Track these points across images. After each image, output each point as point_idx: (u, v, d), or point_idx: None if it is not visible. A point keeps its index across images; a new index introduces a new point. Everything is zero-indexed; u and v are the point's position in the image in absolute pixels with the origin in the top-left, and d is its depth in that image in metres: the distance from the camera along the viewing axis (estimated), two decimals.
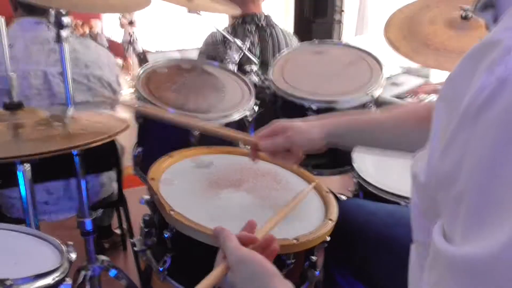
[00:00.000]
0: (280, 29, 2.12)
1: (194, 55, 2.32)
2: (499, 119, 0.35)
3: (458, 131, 0.39)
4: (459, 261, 0.37)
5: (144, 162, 1.37)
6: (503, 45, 0.36)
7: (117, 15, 7.87)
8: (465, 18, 1.42)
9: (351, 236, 1.02)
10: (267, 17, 2.08)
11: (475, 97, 0.37)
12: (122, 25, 7.40)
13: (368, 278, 1.03)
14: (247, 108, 1.36)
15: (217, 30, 1.89)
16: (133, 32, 7.19)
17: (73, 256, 0.87)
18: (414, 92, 2.26)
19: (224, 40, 2.01)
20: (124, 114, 1.17)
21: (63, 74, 1.21)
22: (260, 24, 2.06)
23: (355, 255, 1.03)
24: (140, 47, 7.03)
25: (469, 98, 0.38)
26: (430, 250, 0.42)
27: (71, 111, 1.23)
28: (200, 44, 2.16)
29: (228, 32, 2.00)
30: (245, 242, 0.65)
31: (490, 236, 0.34)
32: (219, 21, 1.95)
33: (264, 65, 2.02)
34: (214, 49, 2.03)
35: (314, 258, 0.98)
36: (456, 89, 0.41)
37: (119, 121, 1.09)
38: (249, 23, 2.05)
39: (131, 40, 7.21)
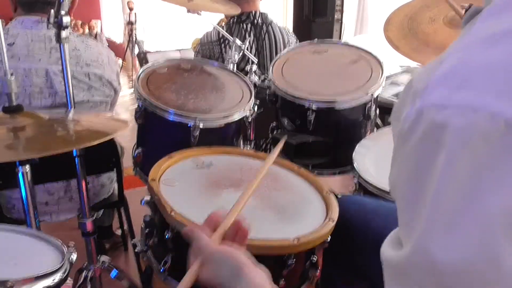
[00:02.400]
0: (278, 26, 2.11)
1: (193, 54, 2.32)
2: (418, 146, 0.41)
3: (395, 149, 0.46)
4: (391, 263, 0.45)
5: (144, 163, 1.37)
6: (426, 80, 0.42)
7: (117, 15, 7.88)
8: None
9: (350, 234, 1.02)
10: (262, 14, 2.07)
11: (403, 123, 0.43)
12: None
13: (367, 277, 1.02)
14: (247, 108, 1.36)
15: (216, 28, 1.89)
16: (133, 32, 7.19)
17: (74, 256, 0.87)
18: None
19: (219, 39, 2.01)
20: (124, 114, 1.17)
21: (63, 73, 1.21)
22: (256, 22, 2.05)
23: (354, 253, 1.03)
24: (140, 47, 7.03)
25: (400, 123, 0.44)
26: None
27: (71, 113, 1.23)
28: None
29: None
30: (212, 225, 0.67)
31: (407, 243, 0.42)
32: (215, 20, 1.95)
33: (260, 63, 2.02)
34: (210, 49, 2.03)
35: (314, 258, 0.98)
36: (400, 109, 0.47)
37: (119, 122, 1.09)
38: (244, 21, 2.04)
39: (132, 40, 7.21)
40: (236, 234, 0.67)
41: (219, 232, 0.66)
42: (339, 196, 1.15)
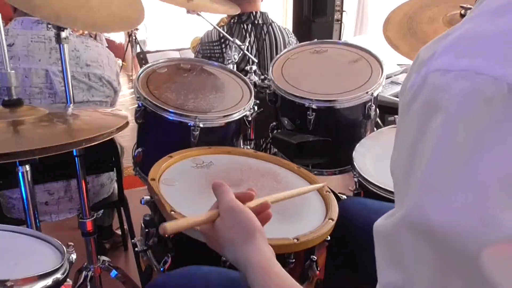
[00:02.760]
0: (278, 26, 2.11)
1: (193, 55, 2.32)
2: (418, 111, 0.41)
3: (398, 126, 0.46)
4: (380, 229, 0.47)
5: (144, 163, 1.37)
6: (432, 50, 0.43)
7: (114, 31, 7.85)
8: (464, 16, 1.42)
9: (352, 235, 1.02)
10: (263, 14, 2.07)
11: (407, 93, 0.43)
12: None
13: (370, 277, 1.02)
14: (247, 107, 1.36)
15: (216, 28, 1.89)
16: (133, 32, 7.18)
17: (74, 256, 0.86)
18: None
19: (220, 39, 2.01)
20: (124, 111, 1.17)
21: (63, 74, 1.21)
22: (256, 22, 2.05)
23: (357, 254, 1.03)
24: (142, 47, 7.02)
25: (403, 97, 0.44)
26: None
27: (71, 108, 1.23)
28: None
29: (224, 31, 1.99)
30: (242, 199, 0.68)
31: (400, 208, 0.42)
32: (215, 21, 1.95)
33: (261, 63, 2.02)
34: (210, 49, 2.03)
35: (314, 257, 0.98)
36: (404, 86, 0.47)
37: (119, 117, 1.09)
38: (245, 21, 2.04)
39: (132, 40, 7.21)
40: (259, 214, 0.69)
41: (248, 202, 0.68)
42: (342, 197, 1.15)
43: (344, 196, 1.31)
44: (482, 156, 0.37)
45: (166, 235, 0.61)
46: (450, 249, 0.38)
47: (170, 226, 0.60)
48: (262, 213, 0.70)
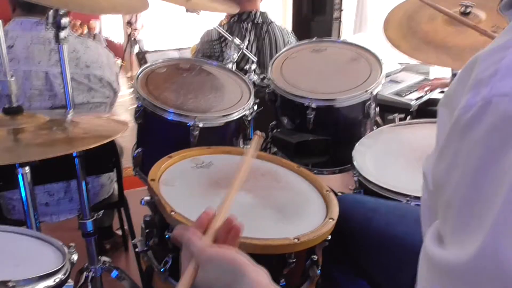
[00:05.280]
0: (277, 25, 2.11)
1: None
2: (483, 139, 0.37)
3: (448, 141, 0.42)
4: (443, 264, 0.40)
5: (144, 163, 1.37)
6: (494, 66, 0.38)
7: (117, 15, 7.86)
8: (464, 14, 1.42)
9: (351, 233, 1.02)
10: (262, 14, 2.07)
11: (463, 113, 0.39)
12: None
13: (368, 275, 1.02)
14: (247, 107, 1.36)
15: (215, 28, 1.89)
16: (133, 33, 7.18)
17: (75, 257, 0.87)
18: (422, 86, 2.26)
19: (220, 38, 2.01)
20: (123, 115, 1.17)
21: (62, 74, 1.21)
22: (256, 21, 2.05)
23: (355, 252, 1.03)
24: (139, 46, 7.02)
25: (457, 112, 0.40)
26: (422, 251, 0.44)
27: (71, 114, 1.23)
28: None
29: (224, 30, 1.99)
30: (203, 225, 0.64)
31: (468, 244, 0.37)
32: (214, 20, 1.95)
33: (261, 62, 2.02)
34: (210, 47, 2.03)
35: (315, 257, 0.98)
36: (453, 97, 0.43)
37: (119, 123, 1.09)
38: (245, 20, 2.04)
39: (131, 40, 7.21)
40: (229, 233, 0.64)
41: (210, 233, 0.63)
42: (339, 194, 1.15)
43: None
44: None
45: None
46: None
47: None
48: (231, 231, 0.64)
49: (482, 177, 0.37)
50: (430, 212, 0.51)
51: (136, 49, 6.89)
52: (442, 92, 2.19)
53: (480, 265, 0.36)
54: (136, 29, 7.24)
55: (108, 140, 0.95)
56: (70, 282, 0.83)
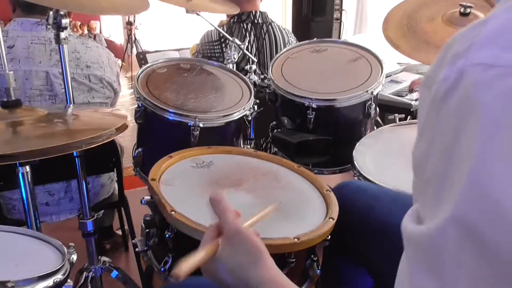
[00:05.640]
0: (277, 25, 2.11)
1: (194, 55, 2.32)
2: (456, 108, 0.37)
3: (427, 118, 0.41)
4: (418, 239, 0.40)
5: (144, 163, 1.37)
6: (470, 40, 0.38)
7: (117, 15, 7.86)
8: (464, 14, 1.42)
9: (352, 220, 1.00)
10: (263, 14, 2.07)
11: (439, 87, 0.39)
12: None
13: (369, 263, 1.01)
14: (247, 107, 1.36)
15: (215, 28, 1.89)
16: (133, 33, 7.19)
17: (74, 257, 0.86)
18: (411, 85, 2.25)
19: (220, 39, 2.01)
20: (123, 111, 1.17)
21: (62, 75, 1.21)
22: (256, 22, 2.05)
23: (357, 239, 1.02)
24: (137, 46, 7.03)
25: (435, 88, 0.40)
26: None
27: (70, 108, 1.23)
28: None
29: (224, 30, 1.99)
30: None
31: (440, 213, 0.37)
32: (214, 20, 1.94)
33: (261, 62, 2.02)
34: (210, 48, 2.03)
35: (315, 257, 0.98)
36: (432, 76, 0.43)
37: (119, 117, 1.09)
38: (245, 21, 2.04)
39: (131, 40, 7.21)
40: None
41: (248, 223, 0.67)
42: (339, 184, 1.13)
43: None
44: None
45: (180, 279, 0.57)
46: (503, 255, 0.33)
47: (182, 273, 0.57)
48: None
49: (453, 150, 0.37)
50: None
51: (134, 49, 6.90)
52: None
53: (452, 229, 0.36)
54: (136, 28, 7.25)
55: (107, 132, 0.94)
56: (70, 282, 0.83)
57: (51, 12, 1.14)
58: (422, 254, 0.39)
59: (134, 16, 7.23)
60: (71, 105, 1.24)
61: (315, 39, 1.66)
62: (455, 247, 0.36)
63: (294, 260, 0.89)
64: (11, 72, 1.03)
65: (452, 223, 0.36)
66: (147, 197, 1.00)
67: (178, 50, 3.13)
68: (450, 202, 0.36)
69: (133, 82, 1.39)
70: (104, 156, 1.55)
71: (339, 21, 4.09)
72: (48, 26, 1.29)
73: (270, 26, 2.08)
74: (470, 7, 1.40)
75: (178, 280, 0.57)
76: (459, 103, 0.37)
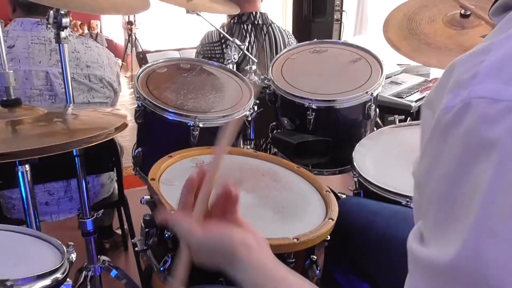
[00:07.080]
0: (277, 27, 2.11)
1: (193, 54, 2.32)
2: (462, 139, 0.38)
3: (429, 142, 0.42)
4: (426, 263, 0.40)
5: (144, 163, 1.37)
6: (473, 69, 0.39)
7: (117, 15, 7.86)
8: (464, 16, 1.42)
9: (352, 235, 1.02)
10: (263, 15, 2.08)
11: (443, 114, 0.40)
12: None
13: (370, 277, 1.02)
14: (247, 107, 1.36)
15: (216, 29, 1.89)
16: (133, 32, 7.19)
17: (74, 256, 0.87)
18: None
19: (220, 40, 2.01)
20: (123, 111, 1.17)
21: (62, 74, 1.21)
22: (256, 22, 2.05)
23: (357, 254, 1.03)
24: (140, 46, 7.03)
25: (438, 114, 0.41)
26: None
27: (70, 107, 1.23)
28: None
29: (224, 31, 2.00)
30: (198, 183, 0.63)
31: (448, 244, 0.37)
32: (215, 21, 1.95)
33: (261, 63, 2.02)
34: (211, 49, 2.03)
35: (314, 257, 0.98)
36: (434, 100, 0.44)
37: (119, 117, 1.09)
38: (245, 22, 2.05)
39: (131, 40, 7.22)
40: (226, 201, 0.62)
41: (198, 208, 0.60)
42: (342, 197, 1.15)
43: (344, 196, 1.31)
44: None
45: None
46: None
47: (180, 281, 0.57)
48: (230, 195, 0.62)
49: (461, 176, 0.38)
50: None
51: (133, 49, 6.91)
52: None
53: (462, 265, 0.36)
54: (136, 27, 7.25)
55: (106, 131, 0.95)
56: (69, 281, 0.83)
57: (51, 12, 1.14)
58: (429, 279, 0.40)
59: (135, 15, 7.24)
60: (71, 105, 1.25)
61: (315, 40, 1.66)
62: (470, 277, 0.36)
63: (294, 260, 0.89)
64: (11, 71, 1.04)
65: (467, 253, 0.36)
66: (147, 197, 1.00)
67: (178, 50, 3.13)
68: (460, 234, 0.37)
69: (133, 82, 1.39)
70: (104, 156, 1.55)
71: (339, 22, 4.09)
72: (49, 26, 1.30)
73: (270, 27, 2.08)
74: (471, 8, 1.41)
75: None
76: (465, 135, 0.38)
